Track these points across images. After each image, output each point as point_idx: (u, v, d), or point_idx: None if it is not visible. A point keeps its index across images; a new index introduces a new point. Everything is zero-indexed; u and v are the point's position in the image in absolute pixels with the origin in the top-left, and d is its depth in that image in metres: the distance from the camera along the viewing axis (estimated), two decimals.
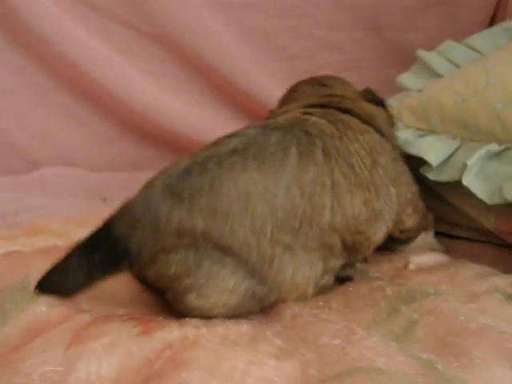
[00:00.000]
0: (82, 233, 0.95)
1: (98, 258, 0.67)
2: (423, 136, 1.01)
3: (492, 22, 1.62)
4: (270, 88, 1.40)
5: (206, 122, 1.37)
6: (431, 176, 0.93)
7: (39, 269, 0.78)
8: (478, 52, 1.18)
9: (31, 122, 1.29)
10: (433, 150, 0.93)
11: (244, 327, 0.66)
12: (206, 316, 0.66)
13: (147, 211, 0.67)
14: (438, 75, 1.17)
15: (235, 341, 0.62)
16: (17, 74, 1.27)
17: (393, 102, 1.16)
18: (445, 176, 0.91)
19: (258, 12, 1.42)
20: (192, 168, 0.69)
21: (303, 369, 0.56)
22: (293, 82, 1.33)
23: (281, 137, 0.73)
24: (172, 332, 0.62)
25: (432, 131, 1.01)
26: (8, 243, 0.93)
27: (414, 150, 0.95)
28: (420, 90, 1.15)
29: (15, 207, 1.13)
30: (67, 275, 0.68)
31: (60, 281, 0.68)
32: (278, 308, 0.71)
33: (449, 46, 1.22)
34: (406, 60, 1.58)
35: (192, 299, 0.65)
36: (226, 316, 0.67)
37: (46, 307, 0.69)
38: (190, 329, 0.63)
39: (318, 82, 1.04)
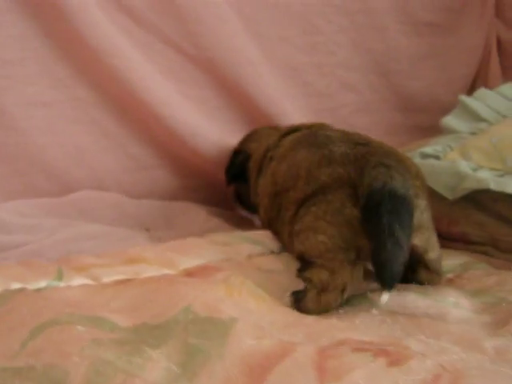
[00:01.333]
0: (185, 261, 0.88)
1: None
2: (502, 176, 1.06)
3: (476, 76, 1.77)
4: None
5: None
6: None
7: (195, 298, 0.71)
8: (509, 99, 1.28)
9: (66, 138, 1.17)
10: None
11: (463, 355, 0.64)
12: None
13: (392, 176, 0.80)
14: (481, 119, 1.24)
15: (479, 366, 0.60)
16: (56, 86, 1.15)
17: (447, 142, 1.21)
18: None
19: (290, 46, 1.43)
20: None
21: None
22: (315, 118, 1.35)
23: None
24: (424, 361, 0.58)
25: (509, 172, 1.07)
26: (110, 271, 0.83)
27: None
28: (472, 133, 1.21)
29: (75, 234, 1.01)
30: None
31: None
32: (471, 340, 0.69)
33: (484, 93, 1.30)
34: (407, 105, 1.67)
35: None
36: None
37: (253, 340, 0.62)
38: (432, 356, 0.60)
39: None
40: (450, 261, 0.98)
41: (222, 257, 0.91)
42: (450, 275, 0.95)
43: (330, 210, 0.82)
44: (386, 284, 0.76)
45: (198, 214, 1.23)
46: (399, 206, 0.76)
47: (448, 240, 1.06)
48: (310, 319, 0.74)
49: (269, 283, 0.84)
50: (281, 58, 1.41)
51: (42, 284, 0.78)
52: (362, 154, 0.86)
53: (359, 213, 0.79)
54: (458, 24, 1.72)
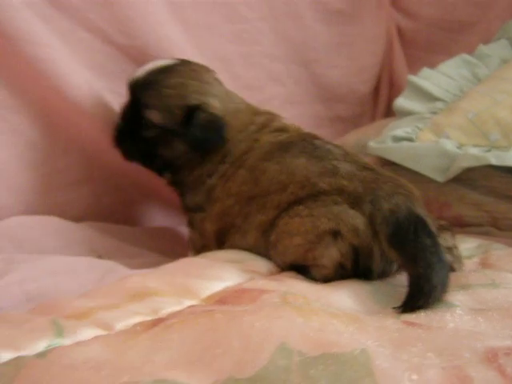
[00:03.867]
0: (205, 287, 0.70)
1: None
2: (489, 151, 1.01)
3: (383, 65, 1.75)
4: None
5: None
6: None
7: (282, 333, 0.54)
8: (450, 78, 1.25)
9: None
10: None
11: None
12: None
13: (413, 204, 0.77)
14: (435, 98, 1.19)
15: None
16: None
17: (412, 123, 1.14)
18: None
19: (216, 34, 1.27)
20: None
21: None
22: None
23: None
24: None
25: (494, 146, 1.02)
26: (119, 314, 0.62)
27: None
28: (433, 113, 1.16)
29: (26, 271, 0.76)
30: None
31: None
32: None
33: (429, 73, 1.25)
34: (327, 96, 1.60)
35: None
36: None
37: (406, 371, 0.47)
38: None
39: None
40: (462, 245, 0.90)
41: (244, 276, 0.73)
42: (475, 259, 0.87)
43: (315, 207, 0.77)
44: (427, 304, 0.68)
45: (149, 235, 1.03)
46: (428, 233, 0.72)
47: None
48: (393, 328, 0.60)
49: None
50: (208, 48, 1.25)
51: (41, 346, 0.55)
52: (372, 179, 0.80)
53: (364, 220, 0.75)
54: (361, 13, 1.68)
